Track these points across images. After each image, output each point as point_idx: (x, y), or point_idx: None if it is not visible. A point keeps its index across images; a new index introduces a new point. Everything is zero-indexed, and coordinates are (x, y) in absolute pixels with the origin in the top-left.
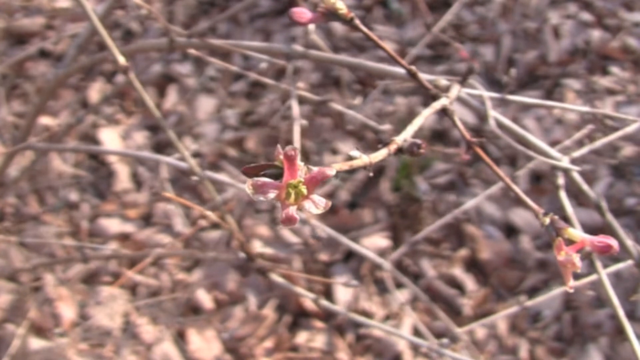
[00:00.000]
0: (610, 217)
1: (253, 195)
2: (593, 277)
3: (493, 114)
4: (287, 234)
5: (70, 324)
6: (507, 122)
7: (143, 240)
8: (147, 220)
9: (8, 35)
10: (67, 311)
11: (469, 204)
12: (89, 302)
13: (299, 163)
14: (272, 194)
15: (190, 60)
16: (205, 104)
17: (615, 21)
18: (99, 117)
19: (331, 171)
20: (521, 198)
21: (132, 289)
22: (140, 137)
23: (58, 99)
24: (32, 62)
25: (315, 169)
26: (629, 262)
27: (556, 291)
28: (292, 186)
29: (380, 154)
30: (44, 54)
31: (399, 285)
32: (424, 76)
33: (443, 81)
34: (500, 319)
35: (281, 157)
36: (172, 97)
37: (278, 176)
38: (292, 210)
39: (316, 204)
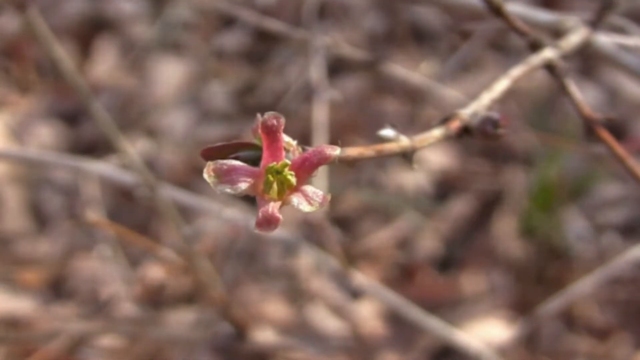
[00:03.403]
0: None
1: (215, 185)
2: None
3: None
4: (319, 314)
5: None
6: None
7: (48, 322)
8: (57, 287)
9: None
10: None
11: None
12: None
13: (287, 140)
14: (243, 185)
15: None
16: (169, 72)
17: None
18: None
19: (334, 150)
20: None
21: None
22: (47, 130)
23: None
24: None
25: (309, 149)
26: None
27: None
28: (273, 172)
29: (432, 136)
30: None
31: None
32: (542, 15)
33: (571, 22)
34: None
35: (260, 131)
36: (107, 56)
37: (256, 161)
38: (274, 207)
39: (309, 198)
